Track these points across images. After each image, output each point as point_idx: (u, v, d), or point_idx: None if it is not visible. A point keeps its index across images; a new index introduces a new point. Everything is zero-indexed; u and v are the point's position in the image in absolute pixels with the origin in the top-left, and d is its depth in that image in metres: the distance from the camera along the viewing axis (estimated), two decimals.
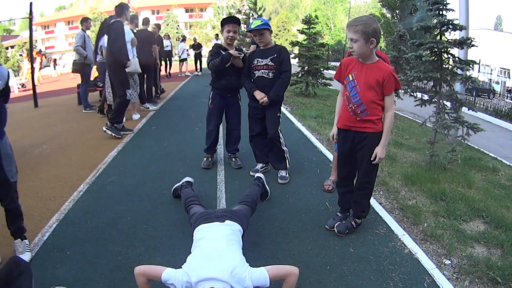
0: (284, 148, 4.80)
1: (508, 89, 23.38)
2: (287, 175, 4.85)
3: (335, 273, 3.17)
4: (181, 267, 2.58)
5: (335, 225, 3.70)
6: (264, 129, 4.83)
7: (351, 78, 3.33)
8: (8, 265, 2.38)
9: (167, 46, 16.91)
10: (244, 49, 6.65)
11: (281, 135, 4.76)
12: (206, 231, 2.94)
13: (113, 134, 6.50)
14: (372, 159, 3.29)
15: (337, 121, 3.56)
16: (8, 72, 3.24)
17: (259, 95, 4.59)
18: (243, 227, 3.13)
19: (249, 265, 2.64)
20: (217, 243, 2.75)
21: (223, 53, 4.77)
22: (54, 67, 31.38)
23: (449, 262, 3.35)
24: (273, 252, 3.42)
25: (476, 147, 6.52)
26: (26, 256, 3.21)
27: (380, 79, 3.19)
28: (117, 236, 3.64)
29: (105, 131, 6.50)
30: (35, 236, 3.58)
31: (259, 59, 4.66)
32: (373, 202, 4.24)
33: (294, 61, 7.48)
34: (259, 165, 5.09)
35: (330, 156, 5.62)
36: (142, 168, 5.27)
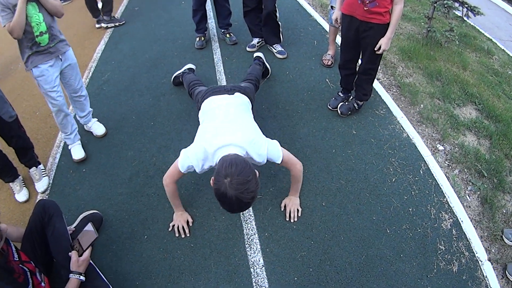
0: (279, 22, 4.52)
1: None
2: (284, 49, 4.66)
3: (340, 157, 3.33)
4: (193, 142, 2.52)
5: (338, 106, 3.76)
6: (259, 4, 4.44)
7: None
8: (37, 212, 2.38)
9: None
10: None
11: (276, 8, 4.41)
12: (215, 101, 2.83)
13: (116, 24, 5.83)
14: (376, 49, 3.21)
15: (340, 5, 3.34)
16: None
17: None
18: (252, 101, 3.08)
19: None
20: (229, 112, 2.66)
21: None
22: None
23: (442, 148, 3.55)
24: (281, 136, 3.50)
25: (471, 23, 6.35)
26: (44, 182, 3.20)
27: None
28: (127, 140, 3.59)
29: (106, 27, 5.79)
30: (47, 161, 3.49)
31: None
32: None
33: None
34: (255, 40, 4.83)
35: (325, 25, 5.37)
36: (134, 58, 4.89)
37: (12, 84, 4.54)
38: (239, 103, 2.82)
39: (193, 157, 2.38)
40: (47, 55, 2.95)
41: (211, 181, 2.14)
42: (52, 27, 2.93)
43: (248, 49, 4.79)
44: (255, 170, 2.15)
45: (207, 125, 2.63)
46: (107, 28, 5.78)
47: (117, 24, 5.83)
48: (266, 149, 2.43)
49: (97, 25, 5.86)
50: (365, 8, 3.04)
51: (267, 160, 2.48)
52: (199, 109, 2.94)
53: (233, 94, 2.91)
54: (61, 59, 3.07)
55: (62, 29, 3.07)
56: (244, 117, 2.69)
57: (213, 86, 3.12)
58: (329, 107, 3.83)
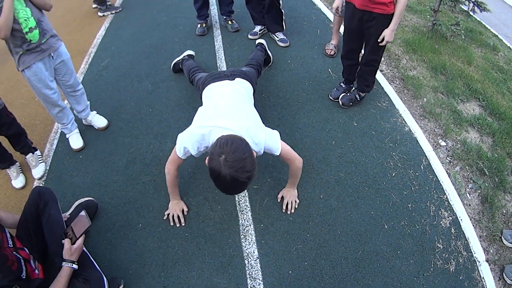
0: (282, 10, 4.38)
1: None
2: (286, 38, 4.56)
3: (340, 148, 3.26)
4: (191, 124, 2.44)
5: (340, 96, 3.68)
6: None
7: None
8: (33, 199, 2.34)
9: None
10: None
11: None
12: (216, 88, 2.75)
13: (113, 12, 5.75)
14: (379, 41, 3.11)
15: None
16: None
17: None
18: (253, 86, 3.00)
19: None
20: (229, 98, 2.58)
21: None
22: None
23: (445, 144, 3.48)
24: (280, 126, 3.43)
25: (478, 19, 6.27)
26: (41, 168, 3.15)
27: None
28: (124, 127, 3.53)
29: (103, 15, 5.71)
30: (44, 147, 3.43)
31: None
32: None
33: None
34: (258, 28, 4.70)
35: (329, 14, 5.26)
36: (134, 44, 4.80)
37: (12, 69, 4.43)
38: (239, 90, 2.74)
39: (187, 140, 2.31)
40: (39, 53, 2.76)
41: (206, 160, 2.03)
42: (41, 21, 2.72)
43: (250, 36, 4.67)
44: (252, 149, 2.07)
45: (205, 108, 2.56)
46: (103, 16, 5.71)
47: (113, 12, 5.77)
48: (264, 138, 2.33)
49: (99, 13, 5.82)
50: None
51: (264, 151, 2.39)
52: (201, 97, 2.86)
53: (233, 79, 2.84)
54: (52, 57, 2.89)
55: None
56: (243, 104, 2.60)
57: (213, 72, 3.04)
58: (331, 97, 3.75)
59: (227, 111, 2.41)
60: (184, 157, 2.40)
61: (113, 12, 5.75)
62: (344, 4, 3.26)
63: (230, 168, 1.87)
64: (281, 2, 4.29)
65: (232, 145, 1.93)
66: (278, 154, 2.41)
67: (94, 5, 5.84)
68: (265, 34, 4.73)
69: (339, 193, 2.93)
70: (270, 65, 4.17)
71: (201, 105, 2.73)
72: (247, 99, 2.71)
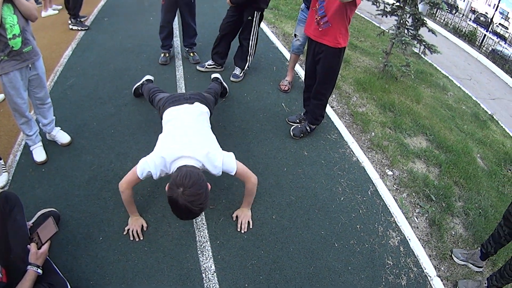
0: (250, 51, 5.00)
1: (473, 9, 23.42)
2: (241, 74, 5.17)
3: (291, 175, 3.78)
4: (153, 151, 2.85)
5: (291, 129, 4.27)
6: (232, 31, 4.96)
7: None
8: None
9: None
10: None
11: (251, 37, 4.87)
12: (175, 112, 3.19)
13: (79, 28, 6.34)
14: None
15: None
16: None
17: None
18: (211, 110, 3.47)
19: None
20: (188, 124, 3.02)
21: None
22: None
23: (391, 173, 4.09)
24: (235, 153, 3.74)
25: (429, 61, 7.03)
26: (4, 177, 3.42)
27: None
28: (87, 145, 3.88)
29: (71, 28, 6.33)
30: (7, 158, 3.70)
31: None
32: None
33: None
34: (208, 62, 5.33)
35: (286, 53, 5.99)
36: (99, 67, 5.28)
37: None
38: (198, 114, 3.21)
39: (152, 165, 2.73)
40: (19, 63, 3.12)
41: (166, 188, 2.50)
42: (25, 30, 3.09)
43: (198, 67, 5.34)
44: (207, 184, 2.54)
45: (166, 135, 3.00)
46: (71, 29, 6.32)
47: (80, 28, 6.36)
48: (221, 162, 2.82)
49: (69, 21, 6.40)
50: (320, 29, 3.54)
51: (222, 172, 2.88)
52: (161, 118, 3.31)
53: (192, 103, 3.31)
54: (30, 68, 3.27)
55: (34, 31, 3.30)
56: (202, 129, 3.08)
57: (174, 94, 3.49)
58: (287, 120, 4.42)
59: (188, 139, 2.88)
60: (143, 179, 2.83)
61: (80, 28, 6.34)
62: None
63: (186, 200, 2.35)
64: (251, 42, 4.94)
65: (191, 179, 2.40)
66: (233, 174, 2.91)
67: (69, 21, 6.43)
68: (224, 72, 5.33)
69: (290, 214, 3.40)
70: (227, 97, 4.74)
71: (161, 128, 3.21)
72: (205, 124, 3.20)
